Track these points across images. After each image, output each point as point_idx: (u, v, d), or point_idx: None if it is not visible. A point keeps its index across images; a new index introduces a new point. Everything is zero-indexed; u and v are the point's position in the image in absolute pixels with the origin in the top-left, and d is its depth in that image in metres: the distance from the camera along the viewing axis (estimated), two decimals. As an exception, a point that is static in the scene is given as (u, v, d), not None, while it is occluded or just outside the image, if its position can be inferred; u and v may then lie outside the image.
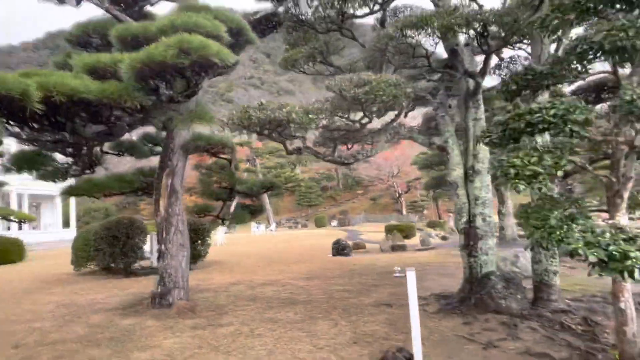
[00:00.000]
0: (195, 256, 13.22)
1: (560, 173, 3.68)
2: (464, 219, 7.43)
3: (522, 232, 22.24)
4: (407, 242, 17.65)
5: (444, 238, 26.11)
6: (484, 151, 7.51)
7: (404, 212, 53.74)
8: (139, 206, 53.70)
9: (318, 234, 33.00)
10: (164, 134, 10.48)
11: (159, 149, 11.06)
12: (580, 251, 3.44)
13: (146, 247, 13.82)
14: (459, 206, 7.52)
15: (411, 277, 4.68)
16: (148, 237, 13.88)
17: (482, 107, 7.61)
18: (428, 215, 50.08)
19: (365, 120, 6.54)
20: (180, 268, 8.22)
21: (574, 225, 3.84)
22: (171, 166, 8.61)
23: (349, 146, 8.48)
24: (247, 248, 21.95)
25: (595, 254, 3.34)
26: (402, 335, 5.72)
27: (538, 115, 3.73)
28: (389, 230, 23.63)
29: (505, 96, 4.58)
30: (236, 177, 9.07)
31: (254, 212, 11.52)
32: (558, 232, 3.78)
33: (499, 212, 17.84)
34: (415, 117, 14.57)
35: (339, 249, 15.23)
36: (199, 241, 13.57)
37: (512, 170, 3.83)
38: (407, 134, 7.98)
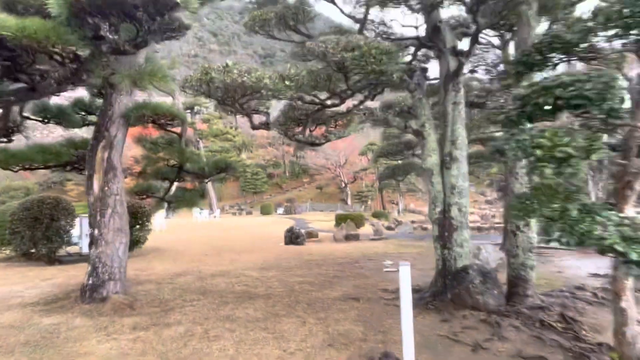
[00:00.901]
0: (133, 242, 11.85)
1: (595, 156, 3.19)
2: (439, 209, 6.98)
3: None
4: (359, 231, 17.30)
5: (389, 228, 26.31)
6: (462, 137, 7.09)
7: (349, 202, 54.14)
8: (66, 186, 49.14)
9: (265, 221, 32.04)
10: (100, 101, 9.11)
11: (93, 118, 9.62)
12: (618, 247, 2.97)
13: (74, 231, 12.19)
14: (433, 195, 7.05)
15: (405, 272, 4.05)
16: (77, 220, 12.24)
17: (462, 91, 7.17)
18: (372, 206, 50.68)
19: (347, 93, 5.78)
20: (116, 257, 7.06)
21: (598, 218, 3.40)
22: (109, 137, 7.37)
23: (312, 128, 7.70)
24: (190, 235, 20.54)
25: (638, 251, 2.89)
26: (380, 335, 5.13)
27: (572, 89, 3.19)
28: (340, 219, 23.27)
29: (520, 69, 4.05)
30: (187, 155, 7.97)
31: (199, 196, 10.40)
32: (582, 225, 3.31)
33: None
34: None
35: (292, 237, 14.48)
36: (138, 226, 12.19)
37: (538, 152, 3.29)
38: (382, 115, 7.36)
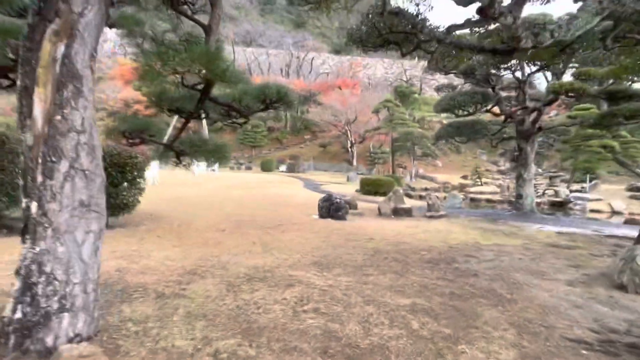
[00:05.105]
0: (118, 208, 8.20)
1: None
2: None
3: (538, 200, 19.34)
4: (409, 203, 13.80)
5: (408, 195, 22.88)
6: None
7: (355, 162, 50.71)
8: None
9: (270, 179, 28.44)
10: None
11: None
12: None
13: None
14: None
15: None
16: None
17: None
18: (380, 170, 47.16)
19: None
20: (77, 261, 3.43)
21: None
22: (67, 15, 3.51)
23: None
24: (191, 194, 16.85)
25: None
26: None
27: None
28: (367, 184, 19.76)
29: None
30: (222, 64, 4.17)
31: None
32: None
33: (519, 177, 14.53)
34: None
35: (332, 209, 10.90)
36: (126, 183, 8.48)
37: None
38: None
